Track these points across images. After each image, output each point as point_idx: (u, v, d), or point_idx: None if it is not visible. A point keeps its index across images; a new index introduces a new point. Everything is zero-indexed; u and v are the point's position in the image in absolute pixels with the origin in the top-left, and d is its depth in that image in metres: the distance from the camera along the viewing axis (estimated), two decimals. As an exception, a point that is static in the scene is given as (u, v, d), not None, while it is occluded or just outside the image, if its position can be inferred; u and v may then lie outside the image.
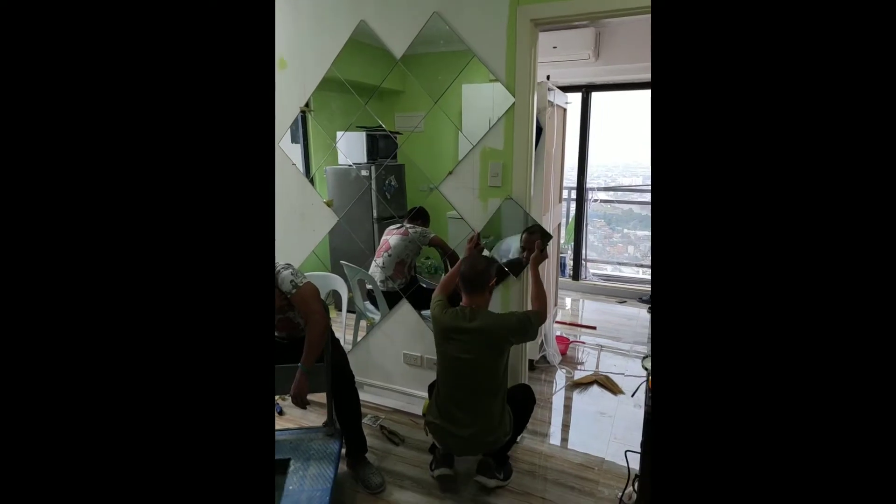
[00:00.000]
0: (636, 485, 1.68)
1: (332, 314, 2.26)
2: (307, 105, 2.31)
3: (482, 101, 2.00)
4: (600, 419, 2.30)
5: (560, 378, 2.71)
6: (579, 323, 3.50)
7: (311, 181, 2.42)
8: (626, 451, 1.77)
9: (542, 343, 2.78)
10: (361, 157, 2.33)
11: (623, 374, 2.70)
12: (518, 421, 1.81)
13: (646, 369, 1.53)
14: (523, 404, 1.85)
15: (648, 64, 0.64)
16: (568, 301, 4.01)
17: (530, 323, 1.72)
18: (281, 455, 1.69)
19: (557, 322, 3.40)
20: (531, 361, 2.68)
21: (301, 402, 1.71)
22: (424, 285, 2.34)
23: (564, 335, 3.16)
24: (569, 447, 2.10)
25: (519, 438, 2.03)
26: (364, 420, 2.08)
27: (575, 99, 3.80)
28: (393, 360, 2.37)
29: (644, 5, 1.64)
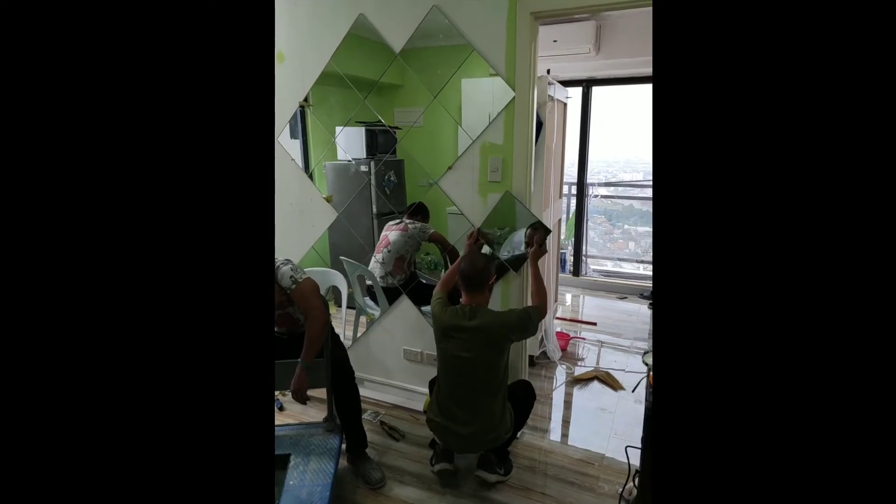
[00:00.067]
0: (636, 480, 1.68)
1: (332, 310, 2.26)
2: (306, 100, 2.30)
3: (482, 95, 1.99)
4: (601, 415, 2.30)
5: (560, 374, 2.71)
6: (580, 319, 3.49)
7: (311, 176, 2.41)
8: (626, 447, 1.76)
9: (542, 339, 2.78)
10: (360, 152, 2.32)
11: (623, 370, 2.70)
12: (518, 417, 1.81)
13: (646, 365, 1.52)
14: (524, 400, 1.85)
15: (650, 58, 0.63)
16: (568, 297, 4.01)
17: (530, 319, 1.71)
18: (281, 450, 1.70)
19: (558, 318, 3.39)
20: (531, 357, 2.68)
21: (301, 398, 1.71)
22: (424, 281, 2.34)
23: (565, 331, 3.15)
24: (569, 443, 2.10)
25: (519, 434, 2.03)
26: (364, 416, 2.08)
27: (575, 93, 3.78)
28: (393, 355, 2.36)
29: (645, -2, 1.62)
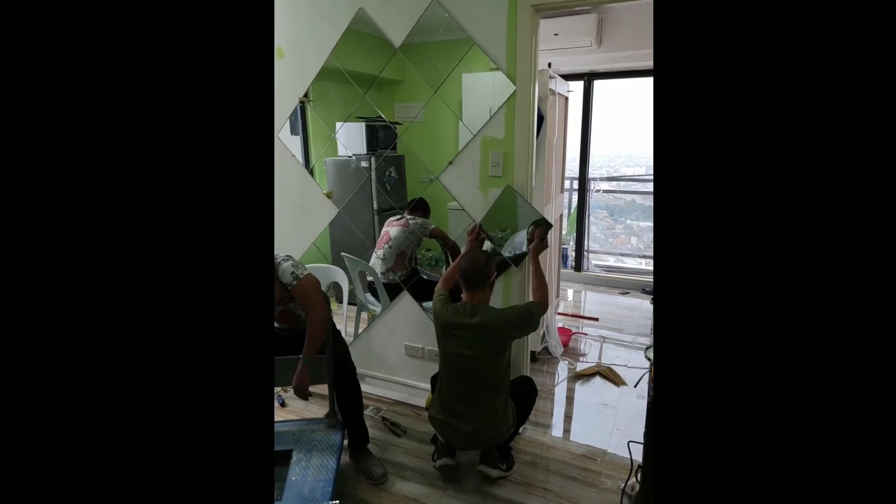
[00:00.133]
0: (639, 476, 1.68)
1: (333, 306, 2.26)
2: (306, 95, 2.29)
3: (482, 89, 1.98)
4: (603, 410, 2.29)
5: (562, 369, 2.70)
6: (581, 314, 3.49)
7: (311, 172, 2.41)
8: (628, 442, 1.76)
9: (543, 334, 2.77)
10: (361, 147, 2.31)
11: (626, 365, 2.70)
12: (520, 413, 1.81)
13: (649, 360, 1.52)
14: (525, 396, 1.85)
15: (652, 51, 0.63)
16: (570, 292, 4.00)
17: (531, 314, 1.71)
18: (283, 446, 1.70)
19: (559, 313, 3.39)
20: (533, 353, 2.68)
21: (303, 394, 1.71)
22: (425, 277, 2.33)
23: (567, 326, 3.15)
24: (571, 438, 2.10)
25: (521, 430, 2.03)
26: (366, 412, 2.08)
27: (577, 87, 3.76)
28: (394, 351, 2.36)
29: (647, -10, 1.60)
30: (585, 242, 4.27)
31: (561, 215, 3.30)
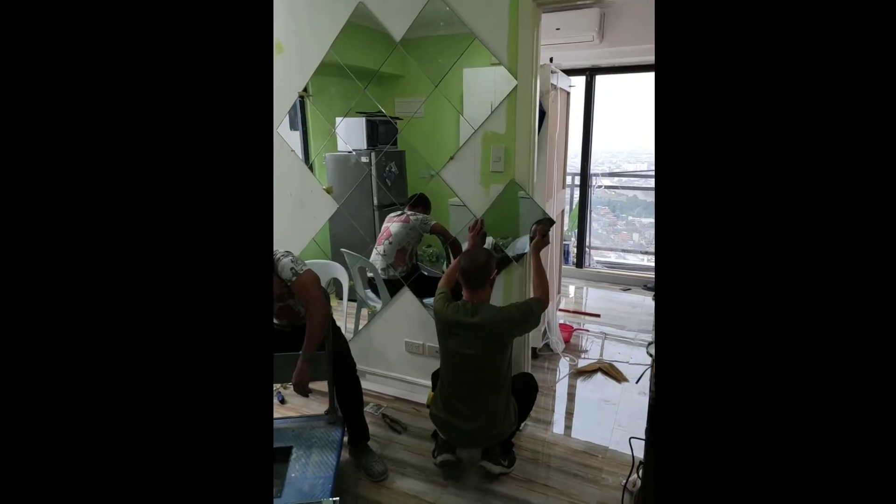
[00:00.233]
0: (640, 472, 1.67)
1: (333, 302, 2.25)
2: (306, 90, 2.27)
3: (483, 84, 1.96)
4: (604, 407, 2.29)
5: (563, 366, 2.70)
6: (583, 311, 3.47)
7: (311, 168, 2.39)
8: (630, 439, 1.75)
9: (545, 331, 2.76)
10: (361, 143, 2.30)
11: (627, 362, 2.69)
12: (521, 409, 1.81)
13: (650, 356, 1.50)
14: (526, 393, 1.84)
15: (654, 45, 0.62)
16: (571, 289, 3.99)
17: (532, 312, 1.70)
18: (283, 443, 1.69)
19: (561, 310, 3.38)
20: (534, 349, 2.67)
21: (303, 390, 1.71)
22: (426, 273, 2.32)
23: (568, 323, 3.14)
24: (573, 435, 2.09)
25: (522, 426, 2.03)
26: (366, 408, 2.08)
27: (579, 82, 3.74)
28: (394, 348, 2.35)
29: (650, -18, 1.58)
30: (587, 238, 4.25)
31: (562, 211, 3.28)
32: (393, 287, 2.30)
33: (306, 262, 1.80)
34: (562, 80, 2.65)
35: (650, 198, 4.85)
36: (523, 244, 2.00)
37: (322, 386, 1.89)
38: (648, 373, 1.60)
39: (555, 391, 2.46)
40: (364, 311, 2.48)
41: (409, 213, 2.28)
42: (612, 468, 1.85)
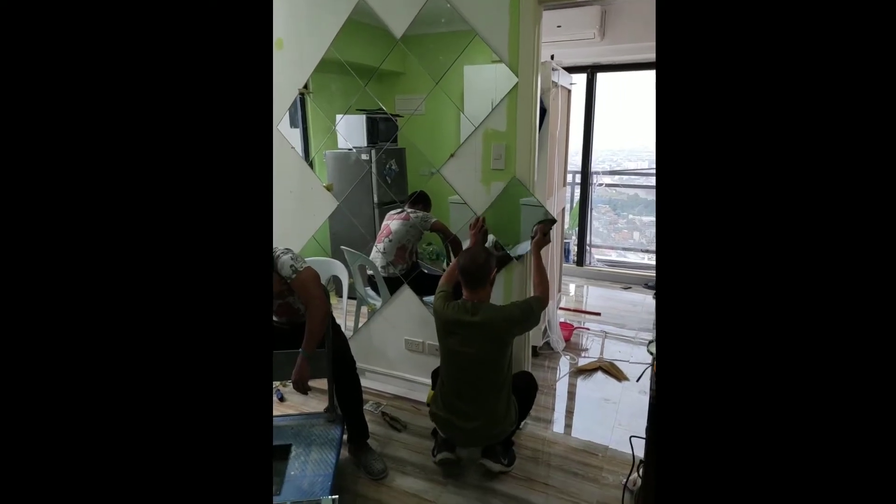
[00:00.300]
0: (641, 471, 1.66)
1: (333, 300, 2.24)
2: (306, 87, 2.26)
3: (484, 82, 1.96)
4: (604, 405, 2.28)
5: (564, 364, 2.69)
6: (583, 309, 3.47)
7: (311, 165, 2.39)
8: (630, 437, 1.75)
9: (545, 329, 2.76)
10: (361, 140, 2.29)
11: (628, 360, 2.68)
12: (521, 408, 1.80)
13: (651, 355, 1.50)
14: (526, 392, 1.84)
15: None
16: (572, 287, 3.98)
17: (532, 310, 1.69)
18: (282, 441, 1.69)
19: (561, 308, 3.37)
20: (534, 348, 2.66)
21: (302, 388, 1.70)
22: (426, 271, 2.32)
23: (568, 321, 3.13)
24: (573, 434, 2.09)
25: (522, 425, 2.02)
26: (366, 406, 2.07)
27: (580, 80, 3.73)
28: (394, 346, 2.35)
29: (652, -21, 1.57)
30: (588, 237, 4.24)
31: (563, 209, 3.27)
32: (393, 285, 2.30)
33: (306, 259, 1.79)
34: (563, 78, 2.64)
35: (651, 196, 4.84)
36: (525, 247, 2.00)
37: (321, 384, 1.89)
38: (649, 371, 1.60)
39: (555, 390, 2.45)
40: (364, 309, 2.47)
41: (409, 210, 2.27)
42: (612, 467, 1.85)
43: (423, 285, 2.23)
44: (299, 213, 2.42)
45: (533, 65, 1.80)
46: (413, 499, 1.71)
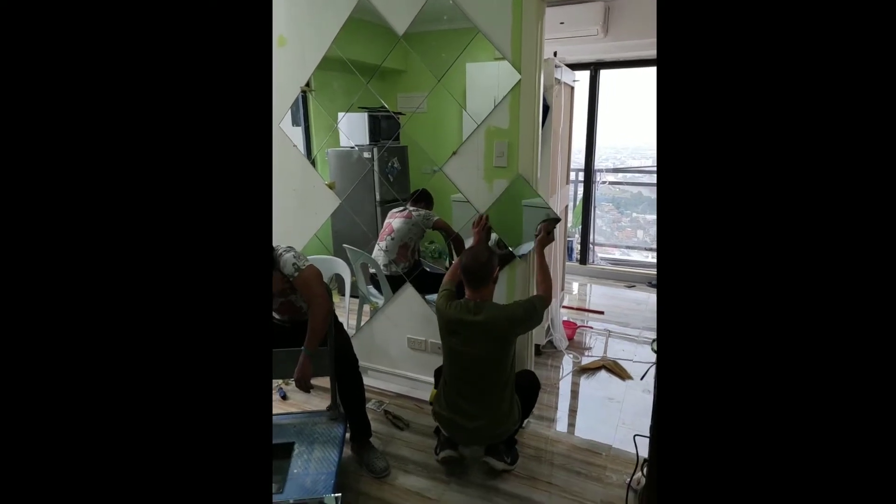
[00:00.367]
0: (645, 470, 1.65)
1: (335, 298, 2.24)
2: (308, 85, 2.26)
3: (487, 79, 1.95)
4: (608, 404, 2.27)
5: (567, 363, 2.68)
6: (587, 308, 3.46)
7: (313, 163, 2.38)
8: (634, 436, 1.73)
9: (548, 328, 2.75)
10: (363, 138, 2.28)
11: (632, 359, 2.67)
12: (523, 408, 1.80)
13: (655, 353, 1.49)
14: (528, 391, 1.83)
15: None
16: (575, 286, 3.97)
17: (535, 309, 1.69)
18: (285, 439, 1.69)
19: (564, 307, 3.36)
20: (537, 346, 2.65)
21: (304, 386, 1.70)
22: (428, 269, 2.31)
23: (572, 320, 3.12)
24: (576, 433, 2.08)
25: (525, 423, 2.01)
26: (368, 405, 2.07)
27: (583, 77, 3.71)
28: (397, 344, 2.35)
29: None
30: (591, 235, 4.23)
31: (566, 207, 3.26)
32: (395, 283, 2.29)
33: (308, 257, 1.79)
34: (566, 75, 2.63)
35: (655, 194, 4.81)
36: (528, 246, 1.99)
37: (324, 382, 1.89)
38: (653, 370, 1.58)
39: (558, 388, 2.44)
40: (366, 308, 2.47)
41: (411, 208, 2.26)
42: (616, 466, 1.84)
43: (426, 283, 2.23)
44: (301, 212, 2.42)
45: (536, 62, 1.79)
46: (416, 497, 1.71)
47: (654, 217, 4.90)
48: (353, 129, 2.29)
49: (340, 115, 2.29)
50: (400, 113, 2.16)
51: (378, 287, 2.37)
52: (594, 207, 4.23)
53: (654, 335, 2.92)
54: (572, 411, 2.27)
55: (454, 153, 2.01)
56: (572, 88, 2.91)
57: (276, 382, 2.37)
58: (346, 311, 2.43)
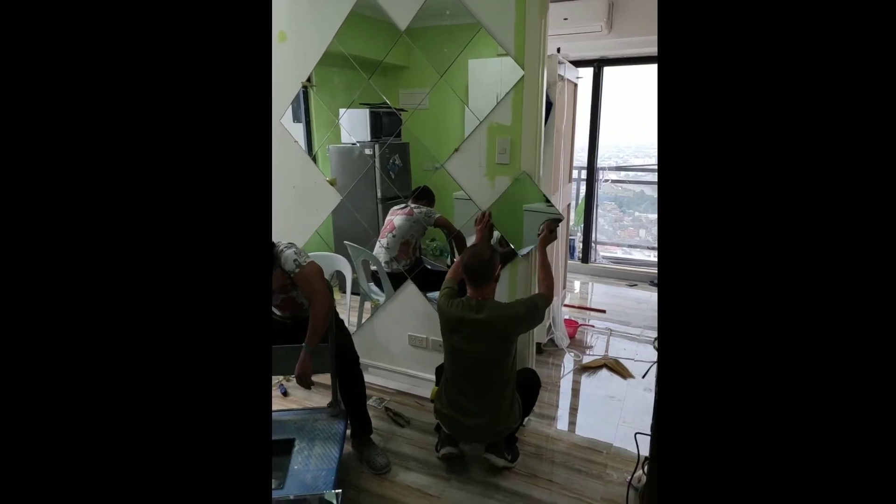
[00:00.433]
0: (645, 468, 1.65)
1: (336, 295, 2.24)
2: (309, 80, 2.25)
3: (489, 75, 1.94)
4: (609, 403, 2.27)
5: (568, 362, 2.67)
6: (588, 306, 3.45)
7: (314, 159, 2.38)
8: (635, 434, 1.73)
9: (550, 326, 2.74)
10: (365, 134, 2.28)
11: (633, 358, 2.66)
12: (524, 406, 1.79)
13: (657, 352, 1.48)
14: (529, 389, 1.83)
15: None
16: (577, 284, 3.96)
17: (537, 308, 1.68)
18: (285, 435, 1.69)
19: (566, 305, 3.35)
20: (539, 345, 2.65)
21: (305, 383, 1.70)
22: (430, 267, 2.30)
23: (573, 318, 3.11)
24: (577, 431, 2.08)
25: (525, 421, 2.01)
26: (369, 402, 2.07)
27: (586, 74, 3.69)
28: (398, 341, 2.34)
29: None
30: (593, 234, 4.21)
31: (568, 205, 3.25)
32: (396, 280, 2.29)
33: (309, 254, 1.78)
34: (569, 71, 2.61)
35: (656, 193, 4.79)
36: (529, 247, 1.98)
37: (325, 379, 1.89)
38: (654, 369, 1.58)
39: (559, 387, 2.44)
40: (367, 305, 2.46)
41: (412, 205, 2.26)
42: (616, 464, 1.83)
43: (427, 281, 2.22)
44: (302, 208, 2.41)
45: (539, 58, 1.78)
46: (416, 494, 1.70)
47: (656, 216, 4.88)
48: (354, 126, 2.28)
49: (342, 111, 2.28)
50: (402, 109, 2.15)
51: (379, 284, 2.37)
52: (596, 206, 4.21)
53: (655, 334, 2.91)
54: (573, 409, 2.27)
55: (456, 150, 2.00)
56: (575, 85, 2.90)
57: (277, 379, 2.37)
58: (347, 308, 2.43)
